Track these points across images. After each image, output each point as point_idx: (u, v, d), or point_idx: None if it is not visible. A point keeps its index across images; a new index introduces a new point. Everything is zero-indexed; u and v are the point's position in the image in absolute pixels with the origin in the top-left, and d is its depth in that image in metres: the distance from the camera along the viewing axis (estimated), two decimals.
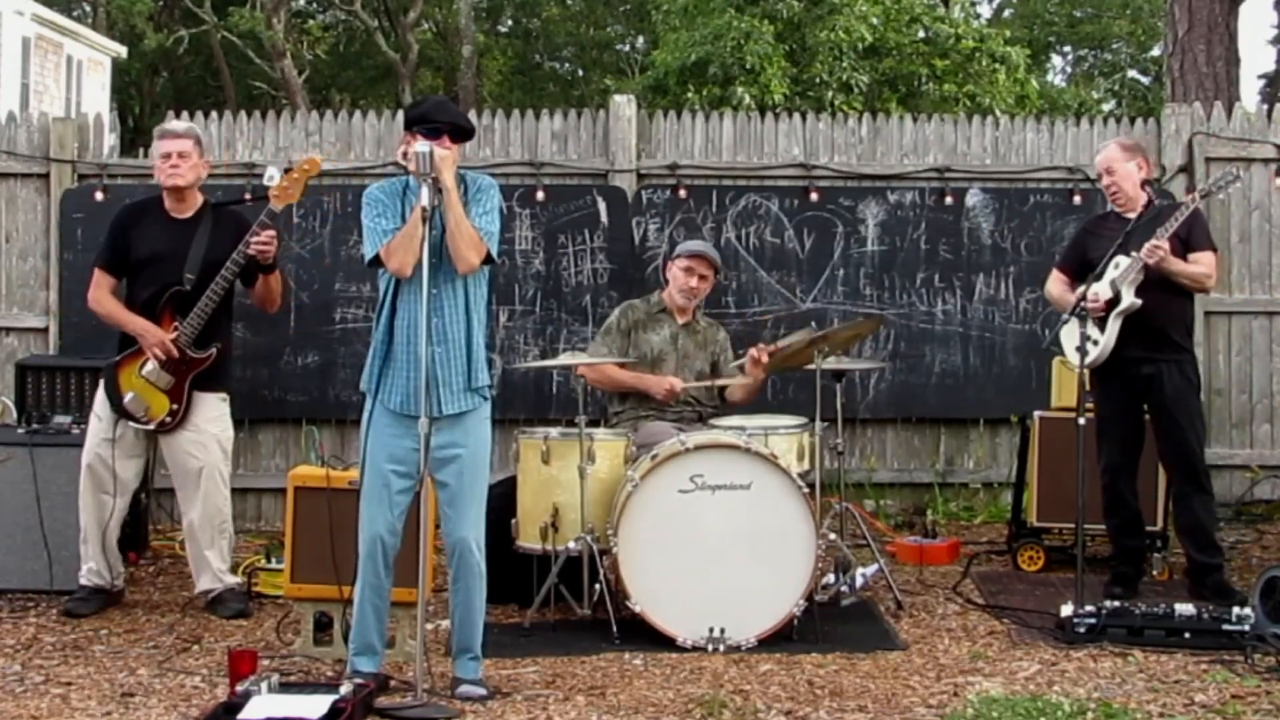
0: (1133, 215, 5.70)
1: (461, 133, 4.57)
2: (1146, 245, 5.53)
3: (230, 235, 5.58)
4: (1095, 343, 5.69)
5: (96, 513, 5.59)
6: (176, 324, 5.55)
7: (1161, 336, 5.70)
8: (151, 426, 5.58)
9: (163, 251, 5.59)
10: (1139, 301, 5.60)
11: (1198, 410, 5.84)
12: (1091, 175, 7.42)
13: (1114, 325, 5.66)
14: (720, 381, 6.03)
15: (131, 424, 5.57)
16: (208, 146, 7.35)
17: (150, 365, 5.55)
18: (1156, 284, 5.61)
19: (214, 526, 5.65)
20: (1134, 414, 5.85)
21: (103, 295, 5.70)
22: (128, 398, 5.56)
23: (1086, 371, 5.64)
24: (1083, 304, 5.59)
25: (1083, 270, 5.76)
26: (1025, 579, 6.23)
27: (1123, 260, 5.62)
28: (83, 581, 5.65)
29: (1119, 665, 4.83)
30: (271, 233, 5.53)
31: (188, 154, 5.65)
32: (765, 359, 5.94)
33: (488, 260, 4.52)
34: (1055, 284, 6.02)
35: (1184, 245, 5.66)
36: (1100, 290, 5.67)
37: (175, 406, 5.57)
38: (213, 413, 5.67)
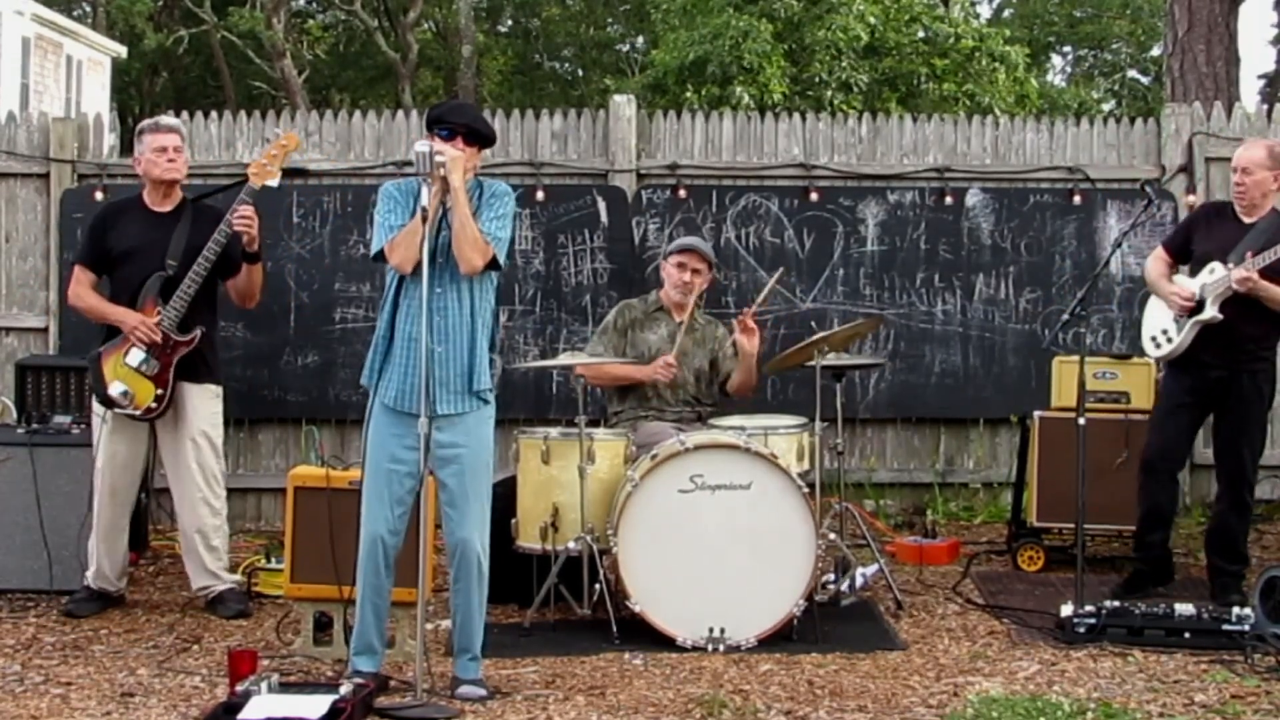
0: (1249, 220, 5.59)
1: (478, 136, 4.58)
2: (1238, 273, 5.40)
3: (209, 227, 5.59)
4: (1170, 339, 5.65)
5: (112, 514, 5.60)
6: (159, 309, 5.55)
7: (1238, 348, 5.57)
8: (139, 414, 5.57)
9: (144, 244, 5.60)
10: (1220, 316, 5.49)
11: (1258, 421, 5.70)
12: (1092, 175, 7.46)
13: (1190, 331, 5.57)
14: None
15: (120, 414, 5.57)
16: (208, 146, 7.42)
17: (134, 353, 5.55)
18: (1244, 299, 5.45)
19: (208, 523, 5.65)
20: (1192, 417, 5.77)
21: (83, 291, 5.70)
22: (113, 387, 5.55)
23: (1088, 371, 5.61)
24: (1080, 307, 5.57)
25: (1186, 255, 5.69)
26: (1025, 579, 6.23)
27: (1218, 268, 5.51)
28: (87, 583, 5.66)
29: (1119, 665, 4.83)
30: (251, 208, 5.54)
31: (181, 149, 5.70)
32: (751, 321, 5.91)
33: (493, 266, 4.52)
34: (1155, 263, 5.85)
35: None
36: (1190, 288, 5.59)
37: (161, 392, 5.56)
38: (205, 406, 5.67)
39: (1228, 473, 5.72)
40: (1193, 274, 5.65)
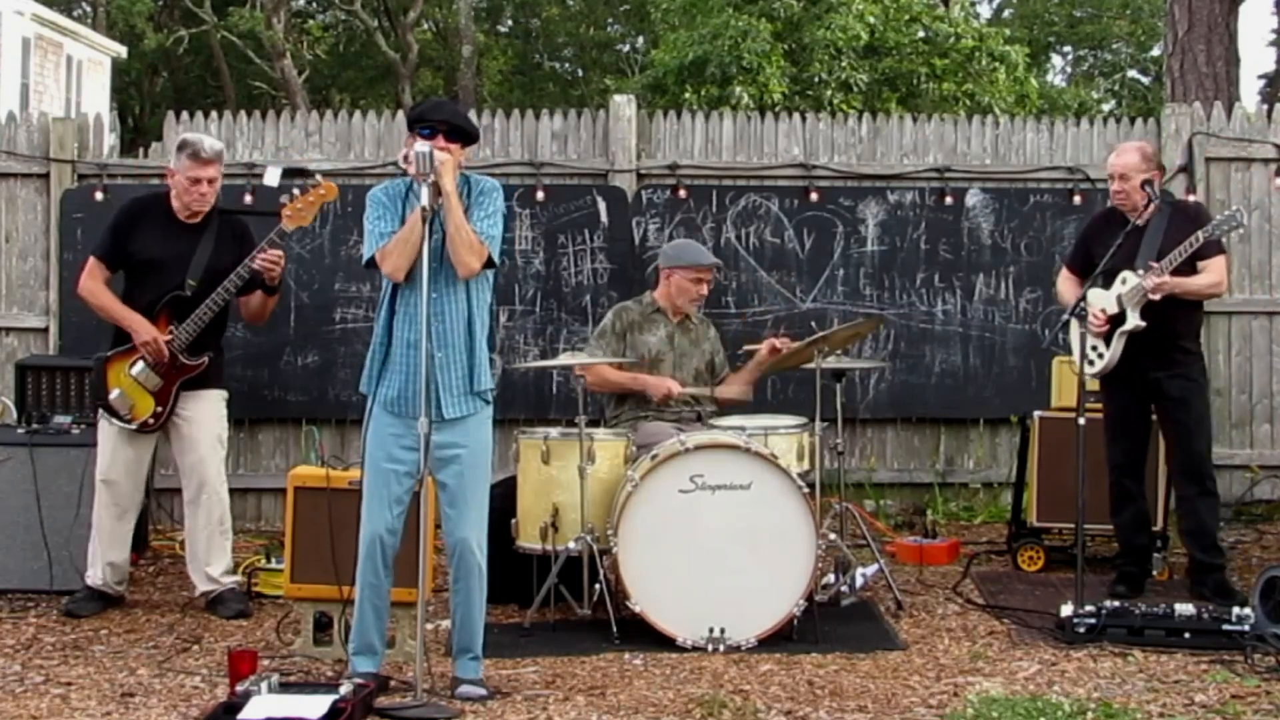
0: (1139, 221, 5.67)
1: (460, 133, 4.54)
2: (1150, 281, 5.50)
3: (234, 245, 5.58)
4: (1101, 355, 5.69)
5: (117, 521, 5.61)
6: (172, 328, 5.54)
7: (1170, 346, 5.67)
8: (134, 426, 5.57)
9: (167, 256, 5.56)
10: (1143, 324, 5.56)
11: (1204, 412, 5.81)
12: (1092, 175, 7.45)
13: (1119, 343, 5.64)
14: (718, 393, 6.00)
15: (115, 421, 5.57)
16: None
17: (139, 365, 5.54)
18: (1164, 299, 5.56)
19: (219, 526, 5.66)
20: (1140, 414, 5.84)
21: (96, 285, 5.65)
22: (114, 394, 5.55)
23: (1089, 376, 5.65)
24: (1082, 304, 5.59)
25: (1090, 269, 5.74)
26: (1025, 579, 6.23)
27: (1130, 277, 5.58)
28: (88, 583, 5.66)
29: (1119, 665, 4.83)
30: (279, 253, 5.52)
31: (217, 179, 5.61)
32: (783, 349, 5.99)
33: (489, 264, 4.51)
34: (1065, 283, 6.00)
35: (1193, 254, 5.57)
36: (1107, 304, 5.65)
37: (160, 409, 5.56)
38: (215, 411, 5.68)
39: (1184, 468, 5.77)
40: (1106, 287, 5.69)
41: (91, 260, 5.70)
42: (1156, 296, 5.52)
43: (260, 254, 5.49)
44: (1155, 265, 5.53)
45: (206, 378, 5.63)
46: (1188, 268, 5.60)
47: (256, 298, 5.71)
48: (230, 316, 5.90)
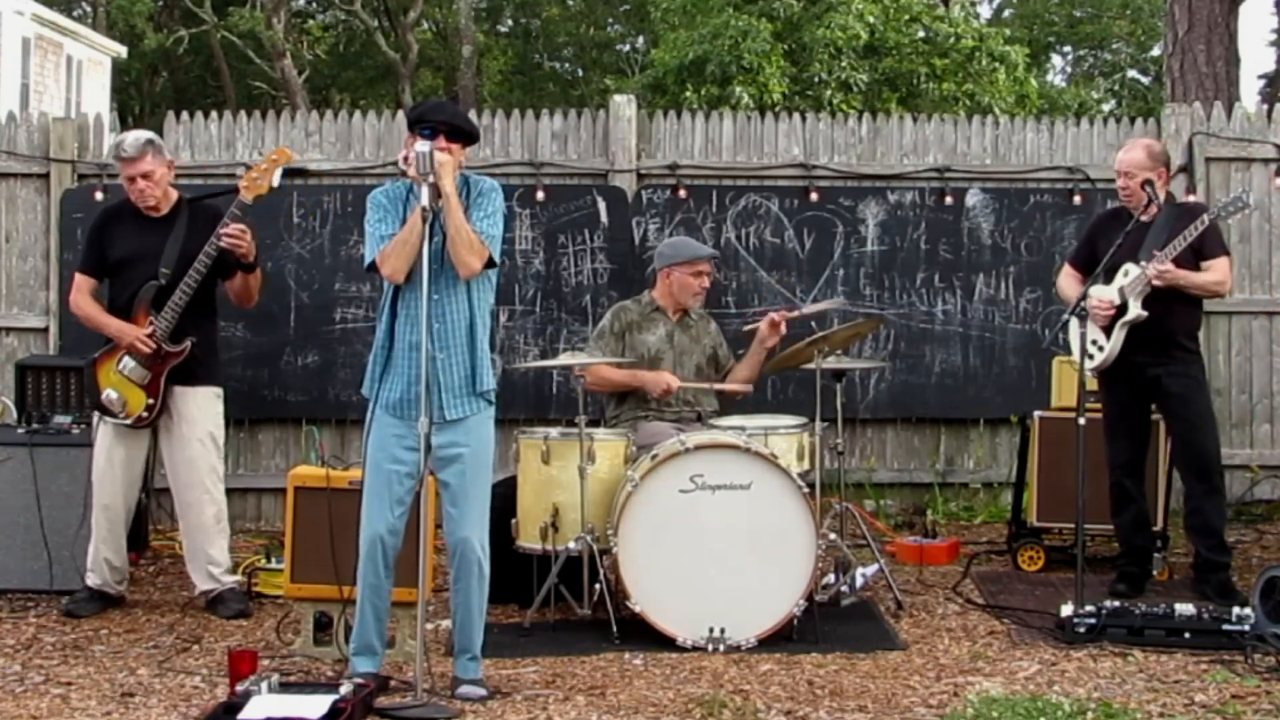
0: (1145, 218, 5.69)
1: (460, 133, 4.54)
2: (1153, 268, 5.53)
3: (206, 229, 5.58)
4: (1101, 348, 5.70)
5: (112, 519, 5.61)
6: (152, 318, 5.55)
7: (1169, 342, 5.69)
8: (129, 422, 5.58)
9: (139, 251, 5.60)
10: (1145, 314, 5.59)
11: (1206, 408, 5.81)
12: (1092, 175, 7.46)
13: (1119, 334, 5.66)
14: (718, 386, 6.01)
15: (110, 420, 5.58)
16: (208, 146, 7.41)
17: (126, 361, 5.56)
18: (1165, 292, 5.59)
19: (214, 524, 5.66)
20: (1140, 412, 5.86)
21: (82, 299, 5.72)
22: (106, 394, 5.57)
23: (1089, 372, 5.65)
24: (1083, 303, 5.59)
25: (1093, 267, 5.74)
26: (1025, 579, 6.23)
27: (1132, 269, 5.61)
28: (87, 582, 5.66)
29: (1119, 665, 4.83)
30: (242, 225, 5.53)
31: (150, 171, 5.60)
32: (784, 326, 5.98)
33: (490, 264, 4.51)
34: (1067, 280, 6.00)
35: (1196, 253, 5.62)
36: (1109, 295, 5.67)
37: (152, 401, 5.57)
38: (207, 408, 5.68)
39: (1191, 465, 5.77)
40: (1108, 282, 5.70)
41: (77, 275, 5.78)
42: (1159, 282, 5.52)
43: (223, 230, 5.49)
44: (1158, 254, 5.54)
45: (198, 373, 5.63)
46: (1190, 264, 5.61)
47: (238, 279, 5.71)
48: (232, 316, 5.91)
